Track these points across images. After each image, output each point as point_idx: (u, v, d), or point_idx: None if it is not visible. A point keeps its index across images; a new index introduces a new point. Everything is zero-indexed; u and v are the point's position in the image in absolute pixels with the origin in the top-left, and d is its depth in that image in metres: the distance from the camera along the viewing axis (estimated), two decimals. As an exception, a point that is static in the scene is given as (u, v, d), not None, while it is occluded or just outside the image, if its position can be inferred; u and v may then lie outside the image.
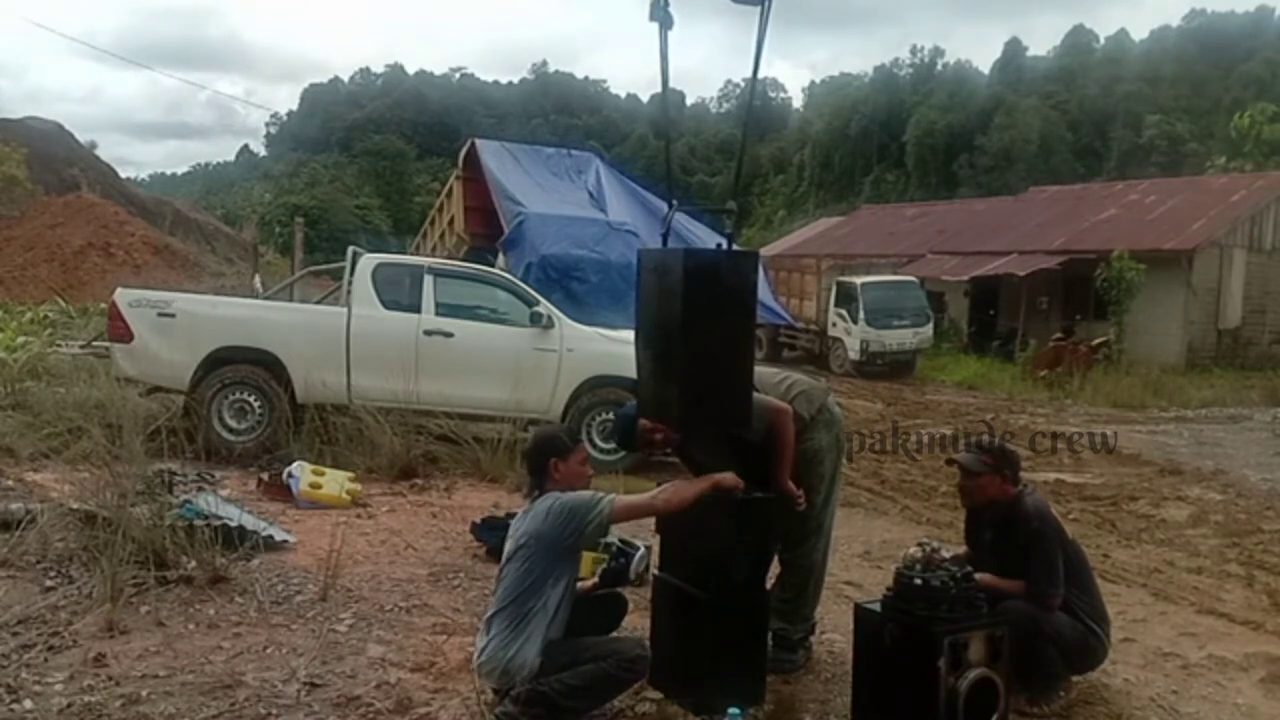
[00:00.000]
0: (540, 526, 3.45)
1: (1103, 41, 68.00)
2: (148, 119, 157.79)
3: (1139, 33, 72.91)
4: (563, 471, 3.60)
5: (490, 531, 5.46)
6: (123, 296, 8.29)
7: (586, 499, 3.49)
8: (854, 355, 19.55)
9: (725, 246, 3.78)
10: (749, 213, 61.12)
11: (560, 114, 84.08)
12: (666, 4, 3.58)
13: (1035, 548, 3.90)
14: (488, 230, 13.52)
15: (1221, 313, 22.01)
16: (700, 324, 3.55)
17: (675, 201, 3.95)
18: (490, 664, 3.43)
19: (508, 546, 3.57)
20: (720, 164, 71.20)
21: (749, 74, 3.80)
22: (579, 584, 3.72)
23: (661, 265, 3.78)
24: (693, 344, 3.55)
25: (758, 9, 3.67)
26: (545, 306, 8.58)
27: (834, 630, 4.67)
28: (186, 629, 4.23)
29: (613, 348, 7.94)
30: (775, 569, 4.20)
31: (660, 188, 13.46)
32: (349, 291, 8.40)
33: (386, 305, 8.35)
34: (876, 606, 3.66)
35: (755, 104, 6.32)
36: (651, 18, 3.58)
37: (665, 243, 4.25)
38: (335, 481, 6.73)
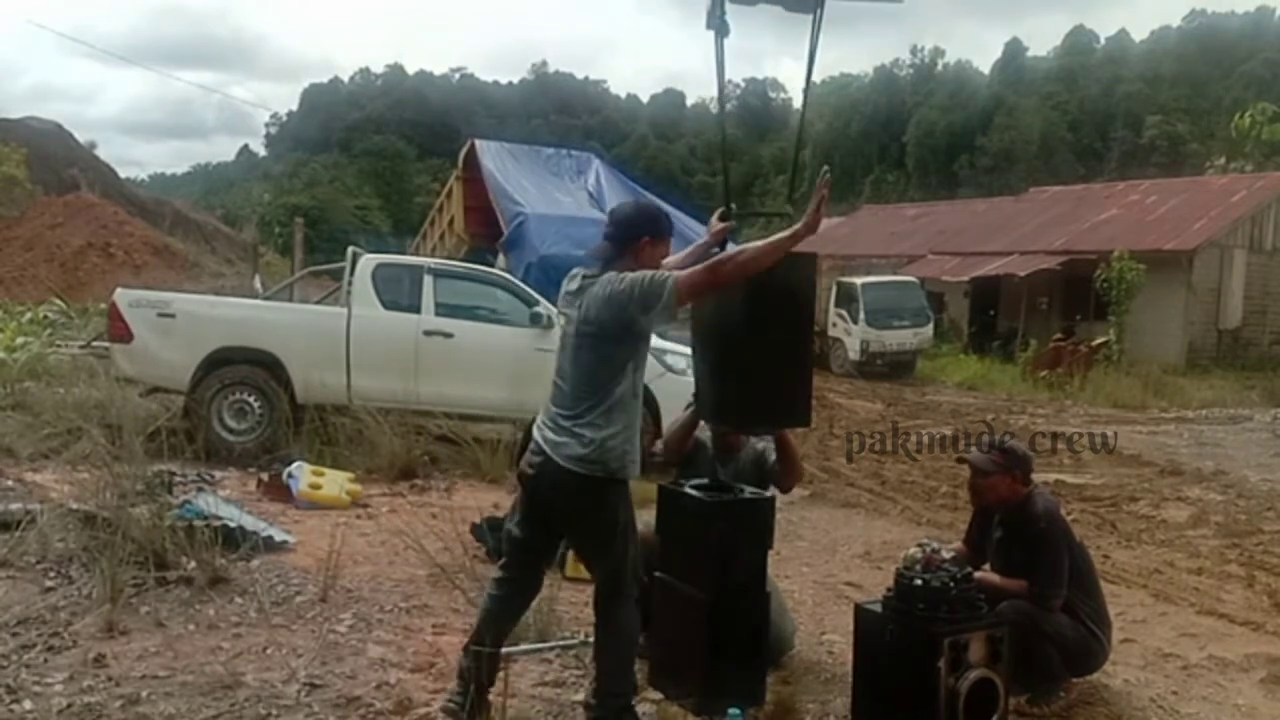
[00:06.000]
0: (606, 309, 3.18)
1: (1103, 42, 68.06)
2: (147, 119, 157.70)
3: (1139, 33, 72.91)
4: (648, 256, 3.30)
5: (491, 532, 5.44)
6: (122, 297, 8.28)
7: (650, 277, 3.16)
8: (854, 355, 19.54)
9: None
10: (749, 213, 61.00)
11: (560, 114, 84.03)
12: (723, 12, 3.50)
13: (1040, 548, 3.90)
14: (487, 230, 13.51)
15: (1222, 313, 22.02)
16: (762, 324, 3.50)
17: (734, 206, 3.87)
18: (588, 446, 3.16)
19: (567, 329, 3.34)
20: (721, 164, 71.11)
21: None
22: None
23: None
24: (755, 344, 3.51)
25: (808, 15, 3.64)
26: (545, 306, 8.56)
27: (834, 631, 4.67)
28: (186, 629, 4.22)
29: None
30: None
31: (661, 187, 13.44)
32: (349, 292, 8.40)
33: (386, 305, 8.34)
34: (877, 607, 3.67)
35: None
36: (708, 26, 3.52)
37: (724, 247, 4.08)
38: (335, 482, 6.72)
